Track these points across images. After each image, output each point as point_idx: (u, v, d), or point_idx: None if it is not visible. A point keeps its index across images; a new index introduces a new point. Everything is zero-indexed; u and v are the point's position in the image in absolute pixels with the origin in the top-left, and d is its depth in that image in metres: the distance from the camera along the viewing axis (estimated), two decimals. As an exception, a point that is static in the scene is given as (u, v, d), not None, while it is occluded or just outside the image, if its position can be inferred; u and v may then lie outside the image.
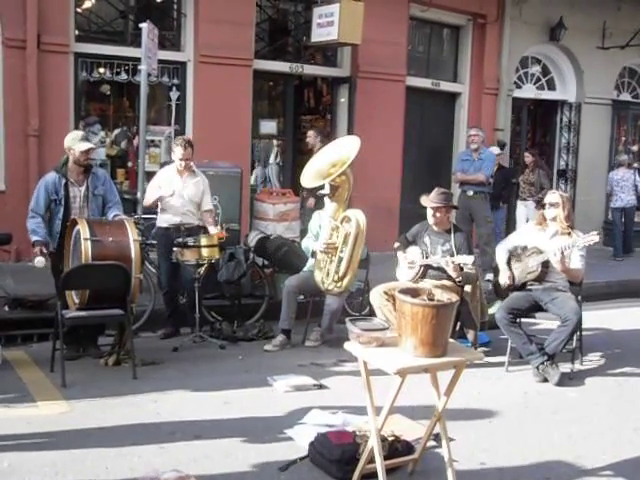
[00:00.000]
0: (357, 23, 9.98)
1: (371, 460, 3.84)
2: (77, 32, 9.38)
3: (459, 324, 6.41)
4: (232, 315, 7.38)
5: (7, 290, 7.23)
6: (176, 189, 6.92)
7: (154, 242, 7.47)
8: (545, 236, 6.29)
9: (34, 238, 5.97)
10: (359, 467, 3.92)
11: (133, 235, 5.85)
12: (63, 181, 6.10)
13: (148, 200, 7.10)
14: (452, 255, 6.30)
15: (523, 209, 11.53)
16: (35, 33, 8.73)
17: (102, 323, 6.34)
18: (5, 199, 8.77)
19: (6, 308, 6.99)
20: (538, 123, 14.56)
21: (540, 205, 11.04)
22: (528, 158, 11.66)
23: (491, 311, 6.76)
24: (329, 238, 6.75)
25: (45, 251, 5.92)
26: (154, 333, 7.07)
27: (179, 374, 5.91)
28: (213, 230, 6.92)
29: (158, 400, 5.24)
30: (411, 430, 4.55)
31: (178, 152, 6.89)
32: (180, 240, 6.70)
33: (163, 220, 7.01)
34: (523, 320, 6.26)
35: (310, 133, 9.47)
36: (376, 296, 6.32)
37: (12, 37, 8.72)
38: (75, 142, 6.10)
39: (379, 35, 10.63)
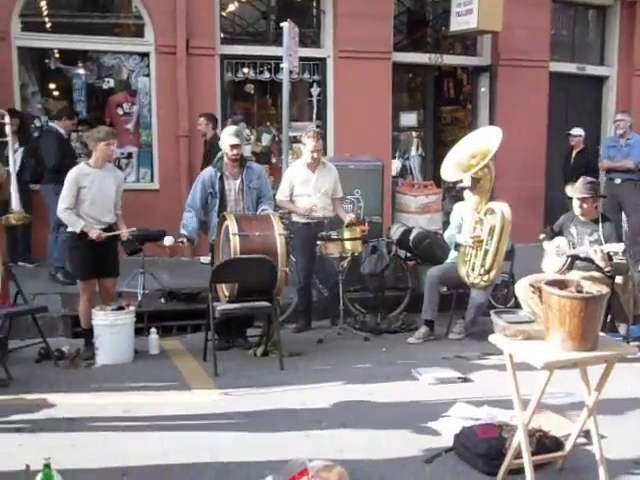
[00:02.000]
0: (497, 9, 9.77)
1: (518, 455, 3.79)
2: (222, 35, 9.75)
3: (610, 317, 6.18)
4: (375, 307, 7.46)
5: (163, 284, 7.65)
6: (312, 186, 7.00)
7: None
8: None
9: (181, 231, 6.32)
10: (506, 462, 3.88)
11: (279, 229, 6.02)
12: (218, 174, 6.38)
13: (281, 202, 7.13)
14: (600, 245, 6.08)
15: None
16: (184, 38, 9.17)
17: (251, 315, 6.58)
18: (159, 198, 9.24)
19: (162, 300, 7.40)
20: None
21: None
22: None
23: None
24: (472, 231, 6.66)
25: (185, 242, 6.29)
26: (297, 325, 7.23)
27: (324, 365, 6.04)
28: (347, 217, 6.97)
29: (304, 390, 5.39)
30: (559, 426, 4.45)
31: (310, 144, 6.92)
32: (323, 234, 6.82)
33: (302, 216, 7.06)
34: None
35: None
36: (521, 288, 6.19)
37: (164, 44, 9.21)
38: (226, 136, 6.40)
39: (520, 20, 10.34)
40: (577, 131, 9.93)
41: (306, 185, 7.00)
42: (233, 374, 5.77)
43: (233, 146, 6.32)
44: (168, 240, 6.26)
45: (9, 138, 5.21)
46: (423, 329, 6.84)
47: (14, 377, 5.56)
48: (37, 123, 9.32)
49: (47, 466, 3.19)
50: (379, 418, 4.81)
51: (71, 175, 6.08)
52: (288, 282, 6.55)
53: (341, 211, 7.12)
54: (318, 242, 6.85)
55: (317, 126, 10.13)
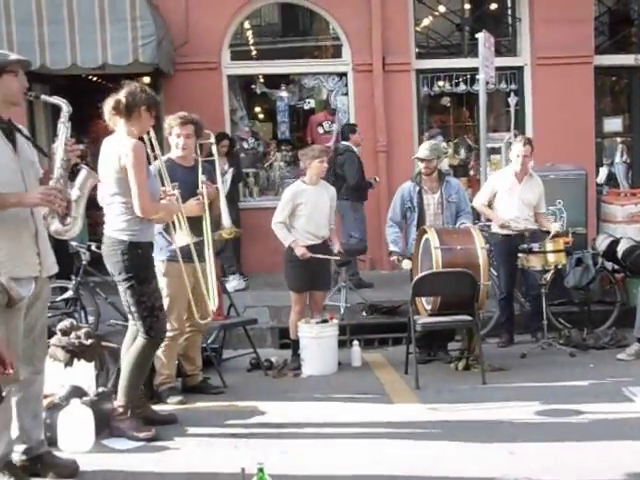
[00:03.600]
0: None
1: None
2: (417, 50, 9.87)
3: None
4: (581, 322, 7.19)
5: (364, 297, 7.84)
6: (516, 196, 6.90)
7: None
8: None
9: (392, 248, 6.49)
10: None
11: (480, 242, 6.00)
12: (417, 189, 6.48)
13: (477, 204, 7.14)
14: None
15: None
16: (380, 56, 9.38)
17: (452, 329, 6.57)
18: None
19: (364, 314, 7.59)
20: None
21: None
22: None
23: None
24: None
25: (400, 260, 6.38)
26: (501, 339, 7.12)
27: (528, 381, 5.90)
28: (553, 227, 6.83)
29: (508, 406, 5.28)
30: None
31: (516, 148, 6.89)
32: (525, 246, 6.69)
33: (506, 226, 6.94)
34: None
35: None
36: None
37: (361, 62, 9.49)
38: (420, 151, 6.53)
39: None
40: None
41: (510, 194, 6.92)
42: (435, 388, 5.78)
43: (421, 160, 6.44)
44: (407, 264, 6.36)
45: (216, 157, 5.57)
46: (636, 346, 6.47)
47: (228, 385, 5.91)
48: (245, 145, 9.93)
49: (261, 470, 3.34)
50: (588, 438, 4.61)
51: (288, 193, 6.43)
52: (489, 296, 6.48)
53: (545, 222, 6.98)
54: (520, 255, 6.71)
55: (514, 135, 9.96)
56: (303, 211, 6.33)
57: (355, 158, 8.55)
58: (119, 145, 4.65)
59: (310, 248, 6.28)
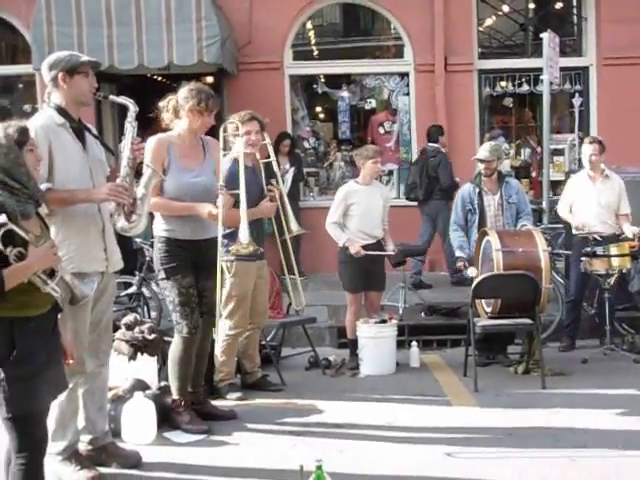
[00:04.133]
0: None
1: None
2: (479, 50, 9.80)
3: None
4: (645, 328, 7.04)
5: (423, 298, 7.82)
6: (591, 197, 6.77)
7: (560, 252, 7.45)
8: None
9: (459, 253, 6.43)
10: None
11: (542, 245, 5.92)
12: (477, 190, 6.44)
13: (561, 213, 7.05)
14: None
15: None
16: (442, 56, 9.35)
17: (512, 332, 6.50)
18: (419, 213, 9.40)
19: (422, 314, 7.57)
20: None
21: None
22: None
23: None
24: None
25: (467, 266, 6.28)
26: (562, 344, 7.01)
27: (589, 387, 5.79)
28: (630, 230, 6.65)
29: (568, 411, 5.20)
30: None
31: (586, 149, 6.79)
32: (589, 250, 6.57)
33: (581, 228, 6.83)
34: None
35: None
36: None
37: (422, 62, 9.47)
38: (480, 152, 6.50)
39: None
40: None
41: (586, 197, 6.80)
42: (493, 391, 5.73)
43: (480, 161, 6.41)
44: (472, 271, 6.13)
45: (273, 157, 5.57)
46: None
47: (286, 382, 5.97)
48: (306, 145, 9.99)
49: (319, 468, 3.36)
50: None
51: (341, 193, 6.48)
52: (550, 299, 6.39)
53: (624, 223, 6.80)
54: (582, 258, 6.59)
55: (578, 137, 9.79)
56: (355, 211, 6.35)
57: (447, 161, 8.59)
58: None
59: (364, 248, 6.29)
